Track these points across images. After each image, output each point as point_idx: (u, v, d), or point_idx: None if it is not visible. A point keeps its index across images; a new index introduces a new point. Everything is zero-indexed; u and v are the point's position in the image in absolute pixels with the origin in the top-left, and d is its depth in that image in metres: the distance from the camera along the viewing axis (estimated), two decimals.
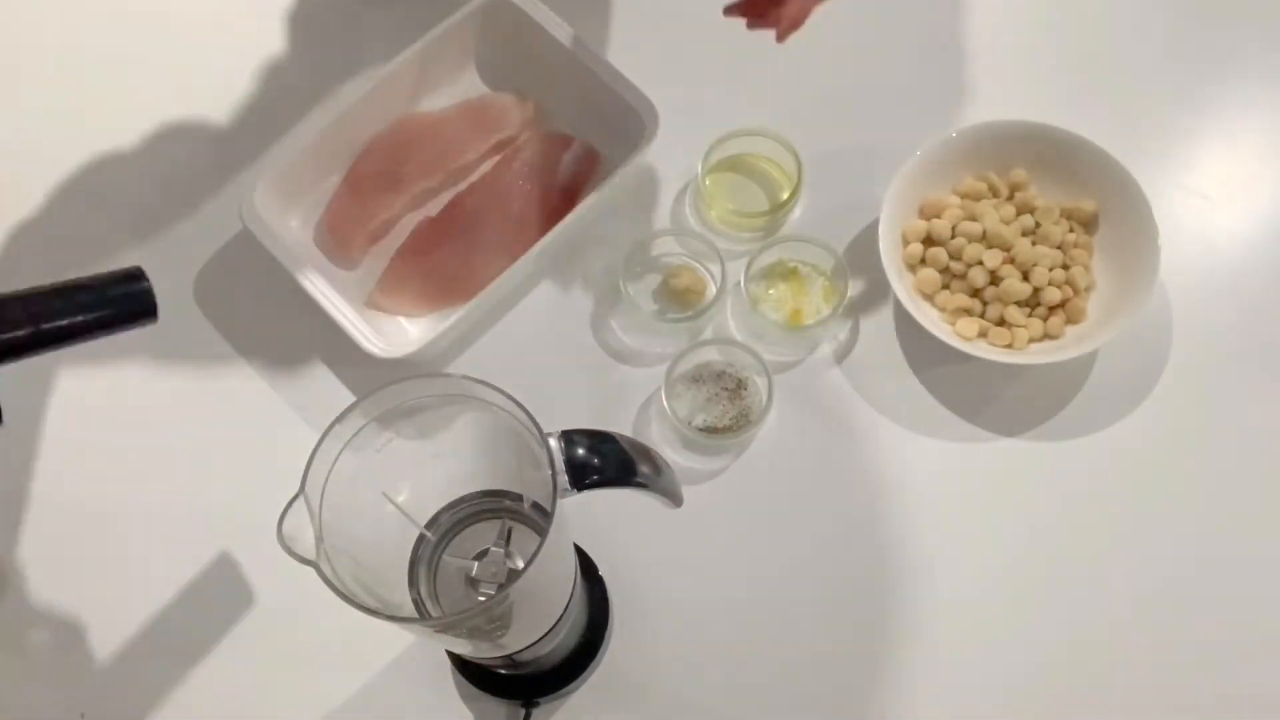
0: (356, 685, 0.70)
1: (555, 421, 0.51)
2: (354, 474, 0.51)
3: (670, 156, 0.81)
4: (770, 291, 0.78)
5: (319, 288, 0.75)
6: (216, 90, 0.87)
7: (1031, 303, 0.76)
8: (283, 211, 0.79)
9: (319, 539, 0.48)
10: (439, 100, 0.84)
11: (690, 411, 0.75)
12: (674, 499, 0.56)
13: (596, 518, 0.69)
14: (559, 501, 0.48)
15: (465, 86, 0.85)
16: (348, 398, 0.77)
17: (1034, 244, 0.76)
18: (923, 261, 0.77)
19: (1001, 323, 0.75)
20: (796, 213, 0.81)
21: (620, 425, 0.76)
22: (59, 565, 0.74)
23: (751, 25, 0.70)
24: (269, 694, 0.71)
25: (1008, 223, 0.76)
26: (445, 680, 0.70)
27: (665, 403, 0.73)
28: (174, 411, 0.78)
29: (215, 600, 0.73)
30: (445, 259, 0.78)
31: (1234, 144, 0.83)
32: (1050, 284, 0.75)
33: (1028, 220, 0.77)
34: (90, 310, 0.57)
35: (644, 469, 0.53)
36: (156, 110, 0.87)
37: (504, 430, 0.51)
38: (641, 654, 0.71)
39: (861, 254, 0.78)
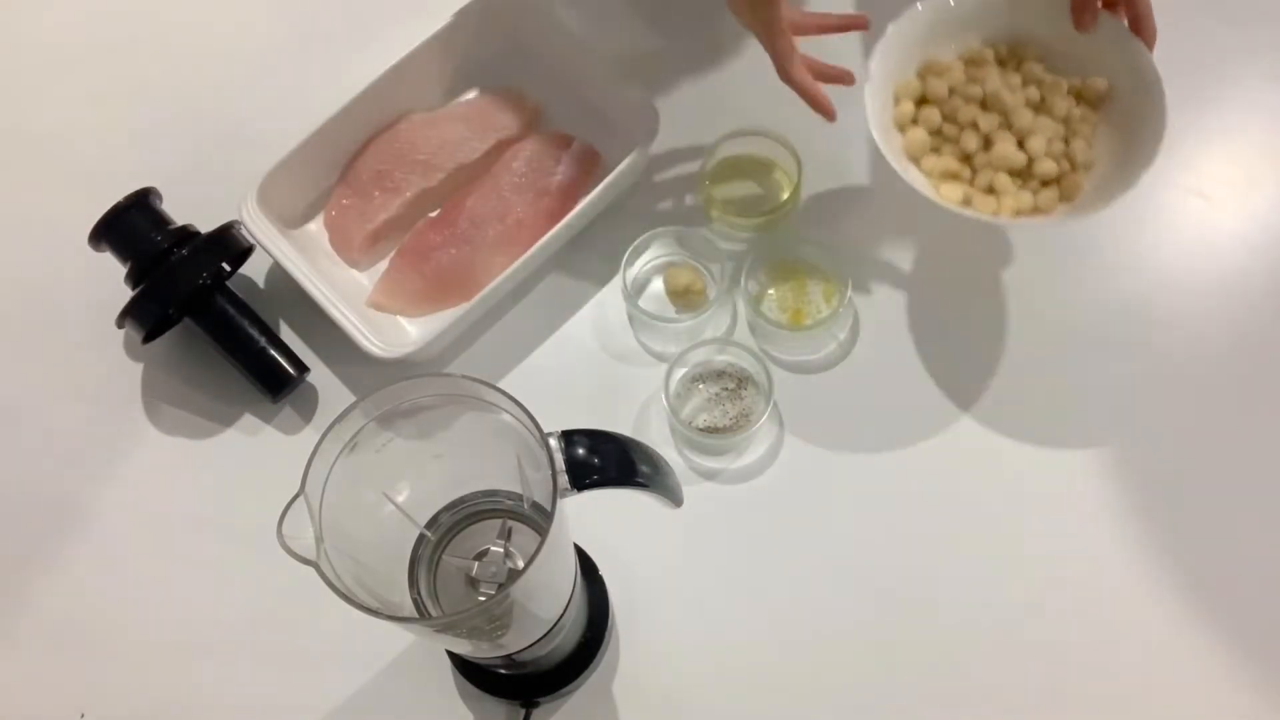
0: (356, 685, 0.70)
1: (555, 421, 0.50)
2: (354, 474, 0.51)
3: (670, 156, 0.81)
4: (770, 291, 0.78)
5: (319, 288, 0.75)
6: (216, 90, 0.87)
7: (1025, 174, 0.71)
8: (283, 211, 0.79)
9: (319, 539, 0.48)
10: (439, 100, 0.84)
11: (690, 411, 0.75)
12: (674, 499, 0.56)
13: (596, 518, 0.69)
14: (559, 501, 0.48)
15: (465, 86, 0.85)
16: (348, 398, 0.77)
17: (1036, 114, 0.72)
18: (914, 123, 0.73)
19: (990, 191, 0.70)
20: (796, 213, 0.81)
21: (620, 425, 0.76)
22: (59, 564, 0.74)
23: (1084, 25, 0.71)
24: (269, 694, 0.71)
25: (1012, 91, 0.72)
26: (445, 680, 0.70)
27: (665, 403, 0.73)
28: (173, 411, 0.78)
29: (215, 600, 0.73)
30: (445, 259, 0.78)
31: (1234, 144, 0.83)
32: (1047, 155, 0.71)
33: (1033, 92, 0.73)
34: (254, 349, 0.75)
35: (644, 469, 0.53)
36: (156, 110, 0.87)
37: (504, 430, 0.51)
38: (641, 654, 0.71)
39: (861, 254, 0.78)
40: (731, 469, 0.75)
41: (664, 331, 0.78)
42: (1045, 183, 0.72)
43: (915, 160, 0.73)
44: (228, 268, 0.77)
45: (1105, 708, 0.69)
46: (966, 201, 0.70)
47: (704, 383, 0.75)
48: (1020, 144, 0.71)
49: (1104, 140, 0.73)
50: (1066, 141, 0.72)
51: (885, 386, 0.76)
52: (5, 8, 0.92)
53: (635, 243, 0.77)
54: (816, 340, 0.78)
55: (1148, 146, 0.69)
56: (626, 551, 0.72)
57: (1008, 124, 0.72)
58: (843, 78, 0.73)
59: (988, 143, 0.72)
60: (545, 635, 0.60)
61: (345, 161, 0.81)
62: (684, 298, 0.78)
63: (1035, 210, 0.71)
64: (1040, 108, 0.73)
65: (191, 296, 0.75)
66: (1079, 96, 0.74)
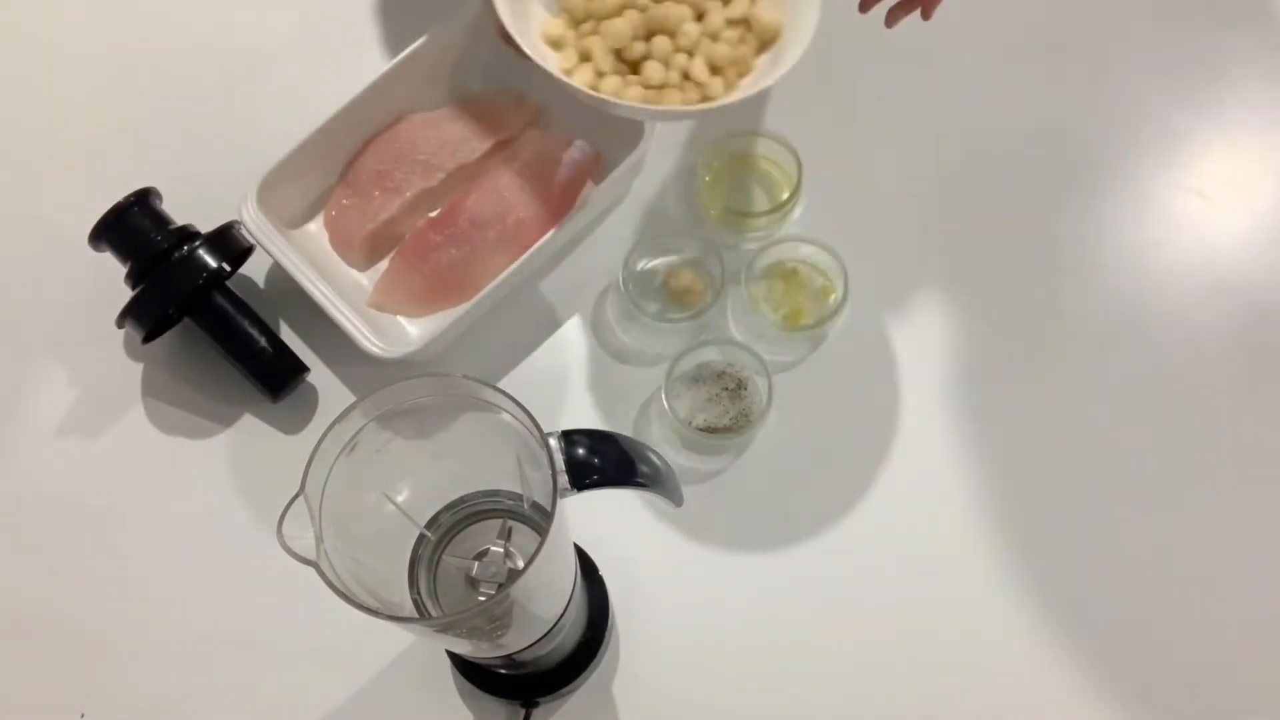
0: (356, 685, 0.70)
1: (555, 421, 0.51)
2: (354, 474, 0.51)
3: (670, 157, 0.81)
4: (770, 291, 0.78)
5: (319, 288, 0.75)
6: (216, 90, 0.87)
7: (633, 64, 0.65)
8: (283, 211, 0.79)
9: (319, 539, 0.48)
10: (439, 100, 0.84)
11: (690, 411, 0.75)
12: (674, 499, 0.56)
13: (596, 518, 0.69)
14: (559, 501, 0.48)
15: (465, 86, 0.85)
16: (348, 398, 0.77)
17: (685, 20, 0.64)
18: None
19: (587, 58, 0.65)
20: (796, 213, 0.81)
21: (620, 425, 0.76)
22: (58, 564, 0.74)
23: (893, 20, 0.66)
24: (269, 694, 0.71)
25: None
26: (445, 680, 0.70)
27: (665, 403, 0.73)
28: (173, 411, 0.78)
29: (215, 600, 0.73)
30: (445, 259, 0.78)
31: (1234, 144, 0.83)
32: (659, 59, 0.64)
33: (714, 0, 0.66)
34: (254, 349, 0.75)
35: (644, 469, 0.53)
36: (156, 110, 0.87)
37: (504, 430, 0.51)
38: (641, 654, 0.71)
39: (861, 254, 0.78)
40: (731, 469, 0.75)
41: (664, 331, 0.78)
42: (653, 88, 0.66)
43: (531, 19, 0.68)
44: (228, 268, 0.77)
45: None
46: (557, 45, 0.66)
47: (704, 383, 0.76)
48: (648, 36, 0.65)
49: (747, 87, 0.65)
50: (690, 55, 0.65)
51: (885, 386, 0.76)
52: (5, 7, 0.92)
53: (635, 243, 0.77)
54: (815, 340, 0.78)
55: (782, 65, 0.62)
56: (626, 551, 0.72)
57: (644, 7, 0.65)
58: None
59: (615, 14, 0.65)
60: (545, 635, 0.60)
61: (345, 161, 0.81)
62: (684, 298, 0.78)
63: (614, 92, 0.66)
64: (699, 11, 0.66)
65: (191, 296, 0.75)
66: (750, 26, 0.68)
